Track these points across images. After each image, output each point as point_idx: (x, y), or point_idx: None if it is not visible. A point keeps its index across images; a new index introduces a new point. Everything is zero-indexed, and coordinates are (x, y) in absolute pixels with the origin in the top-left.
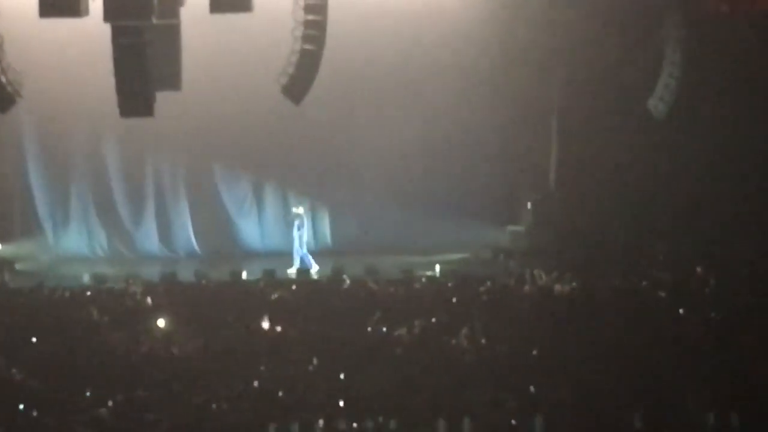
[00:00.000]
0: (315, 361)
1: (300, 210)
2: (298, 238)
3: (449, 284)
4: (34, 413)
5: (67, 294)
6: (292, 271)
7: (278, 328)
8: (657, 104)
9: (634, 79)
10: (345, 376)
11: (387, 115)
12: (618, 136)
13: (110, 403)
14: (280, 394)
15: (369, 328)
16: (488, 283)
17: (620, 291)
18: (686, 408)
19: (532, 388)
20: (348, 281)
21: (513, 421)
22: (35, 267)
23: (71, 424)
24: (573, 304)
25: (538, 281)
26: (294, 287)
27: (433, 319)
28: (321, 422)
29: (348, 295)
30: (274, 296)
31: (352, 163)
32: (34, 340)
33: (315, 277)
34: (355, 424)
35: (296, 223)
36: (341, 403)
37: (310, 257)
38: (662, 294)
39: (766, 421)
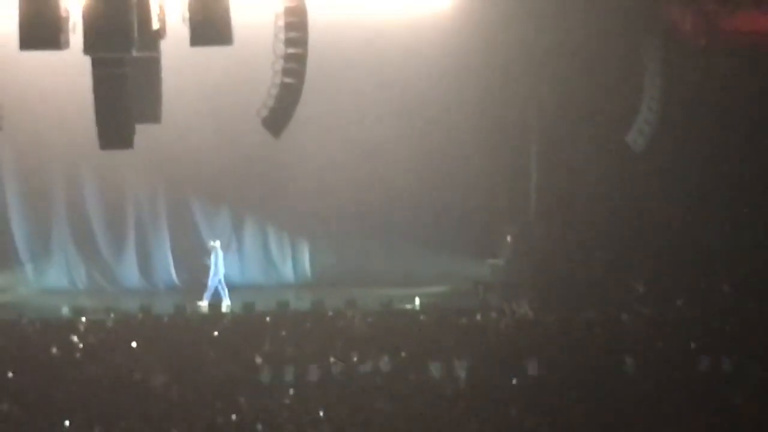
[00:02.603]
0: (291, 392)
1: (216, 243)
2: (213, 271)
3: (429, 317)
4: None
5: (46, 326)
6: (203, 304)
7: (257, 361)
8: (636, 137)
9: (613, 113)
10: (324, 408)
11: (367, 149)
12: (598, 169)
13: None
14: (259, 427)
15: (344, 359)
16: (468, 316)
17: (599, 324)
18: None
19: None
20: (330, 313)
21: None
22: (14, 299)
23: None
24: (552, 336)
25: (518, 314)
26: (268, 319)
27: (409, 352)
28: None
29: (328, 326)
30: (251, 329)
31: (331, 195)
32: (12, 372)
33: (226, 311)
34: None
35: (212, 255)
36: None
37: (225, 290)
38: (641, 327)
39: None
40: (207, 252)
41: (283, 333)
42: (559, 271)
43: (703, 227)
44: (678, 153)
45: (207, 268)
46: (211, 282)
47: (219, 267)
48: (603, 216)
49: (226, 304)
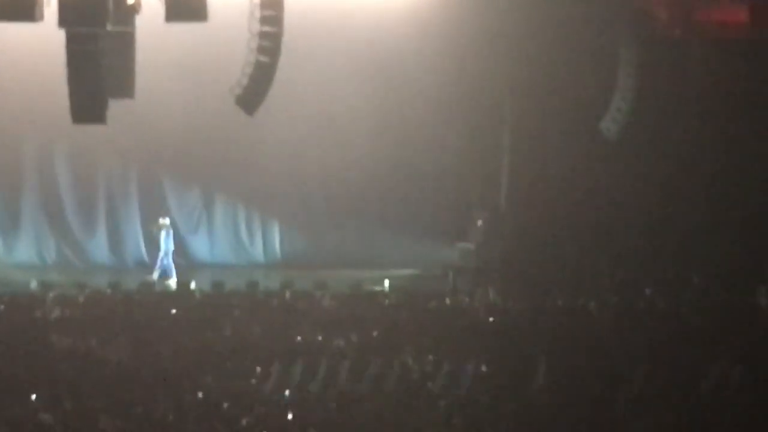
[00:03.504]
0: (259, 372)
1: (166, 221)
2: (165, 246)
3: (398, 299)
4: None
5: (14, 300)
6: (153, 278)
7: (223, 339)
8: (609, 125)
9: (587, 100)
10: (290, 388)
11: (339, 130)
12: (570, 155)
13: (55, 409)
14: (225, 405)
15: (312, 340)
16: (437, 300)
17: (567, 310)
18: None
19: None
20: (289, 294)
21: None
22: None
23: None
24: (521, 322)
25: (487, 299)
26: (238, 300)
27: (377, 334)
28: None
29: (293, 307)
30: (219, 307)
31: (303, 176)
32: None
33: (173, 287)
34: None
35: (162, 232)
36: (289, 416)
37: (172, 267)
38: (609, 315)
39: None
40: (177, 229)
41: (252, 313)
42: (528, 258)
43: (675, 216)
44: (651, 141)
45: (176, 246)
46: (160, 259)
47: (169, 244)
48: (574, 203)
49: (173, 282)
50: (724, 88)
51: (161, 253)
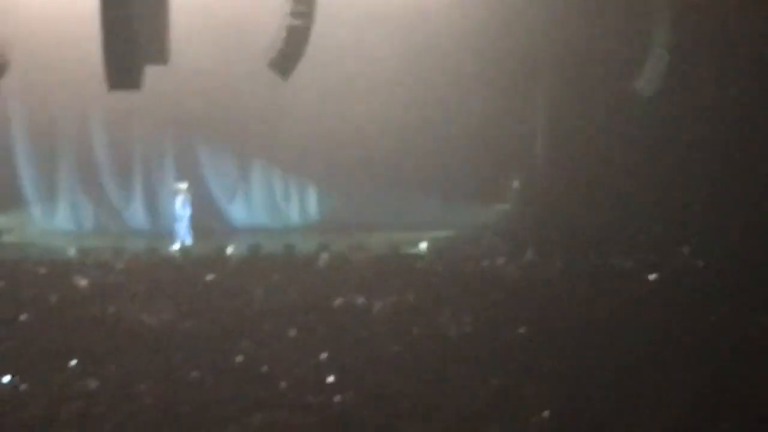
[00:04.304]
0: (296, 335)
1: (183, 186)
2: (181, 213)
3: (434, 261)
4: (21, 386)
5: (52, 267)
6: (175, 248)
7: (261, 303)
8: (645, 83)
9: (622, 57)
10: (328, 351)
11: (374, 92)
12: (605, 114)
13: (95, 375)
14: (264, 369)
15: (350, 303)
16: (473, 261)
17: (605, 271)
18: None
19: (516, 367)
20: (327, 256)
21: (496, 400)
22: (20, 239)
23: (58, 396)
24: (558, 283)
25: (524, 260)
26: (275, 263)
27: (414, 296)
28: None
29: (330, 270)
30: (256, 271)
31: (338, 139)
32: (17, 311)
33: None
34: (338, 397)
35: (178, 198)
36: (330, 379)
37: (187, 233)
38: (648, 275)
39: (749, 405)
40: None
41: (289, 276)
42: (565, 218)
43: (713, 174)
44: (687, 99)
45: (213, 211)
46: (178, 226)
47: (185, 210)
48: (610, 162)
49: (175, 246)
50: (764, 41)
51: (178, 220)
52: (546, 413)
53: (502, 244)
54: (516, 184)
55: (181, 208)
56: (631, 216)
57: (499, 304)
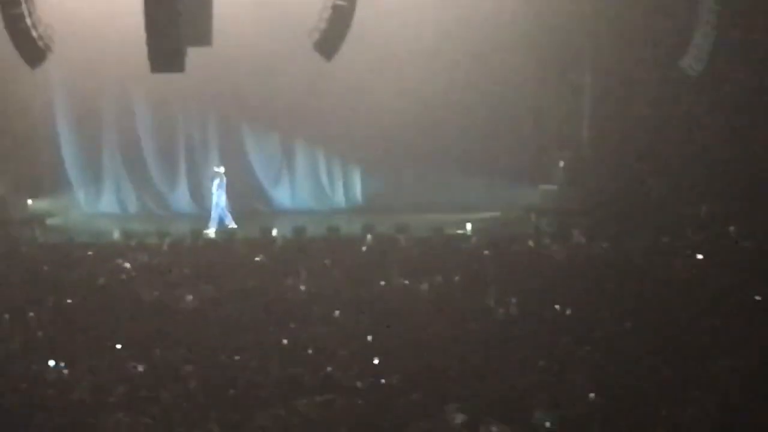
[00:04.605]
0: (341, 317)
1: (221, 169)
2: (217, 197)
3: (480, 242)
4: (65, 369)
5: (97, 250)
6: (210, 231)
7: (306, 285)
8: (691, 62)
9: (667, 37)
10: (373, 333)
11: (419, 74)
12: (651, 94)
13: (141, 358)
14: (310, 351)
15: (395, 284)
16: (519, 242)
17: (653, 251)
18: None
19: (563, 348)
20: (371, 238)
21: (542, 381)
22: (65, 222)
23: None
24: (605, 263)
25: (570, 240)
26: (320, 245)
27: (460, 277)
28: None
29: (375, 251)
30: (301, 253)
31: (382, 120)
32: (63, 294)
33: (212, 236)
34: (383, 380)
35: (216, 182)
36: (374, 361)
37: (229, 216)
38: (695, 254)
39: None
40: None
41: (334, 258)
42: (611, 197)
43: (760, 155)
44: (733, 78)
45: (257, 193)
46: (214, 210)
47: (221, 194)
48: (656, 142)
49: (211, 231)
50: None
51: (214, 204)
52: (592, 395)
53: (548, 224)
54: (562, 163)
55: (217, 191)
56: (678, 196)
57: (545, 285)
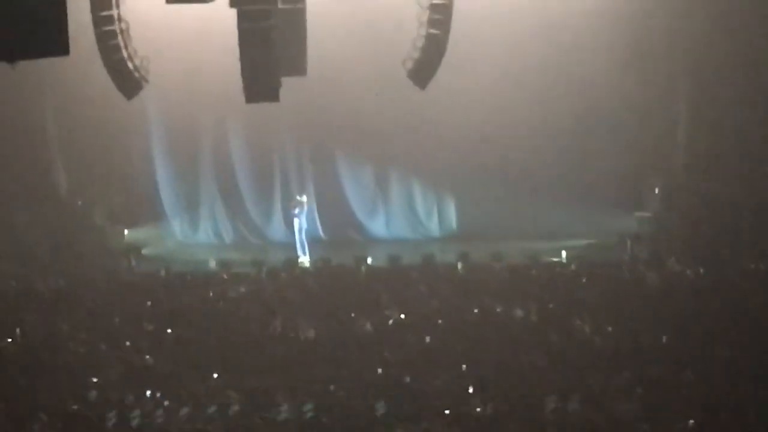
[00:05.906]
0: (436, 344)
1: (303, 198)
2: (299, 224)
3: (576, 270)
4: (164, 401)
5: (193, 279)
6: (305, 260)
7: (402, 314)
8: None
9: (763, 61)
10: (467, 361)
11: (513, 101)
12: (747, 119)
13: (237, 387)
14: (407, 379)
15: (489, 312)
16: (615, 269)
17: (752, 278)
18: None
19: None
20: (465, 265)
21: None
22: (161, 252)
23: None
24: (703, 290)
25: (667, 267)
26: (416, 274)
27: (555, 305)
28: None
29: (469, 279)
30: (396, 282)
31: (476, 149)
32: (160, 324)
33: (307, 265)
34: (478, 409)
35: (296, 210)
36: (471, 389)
37: (305, 245)
38: None
39: None
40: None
41: (429, 286)
42: (708, 225)
43: None
44: None
45: (351, 222)
46: (299, 237)
47: (302, 221)
48: (753, 169)
49: (305, 259)
50: None
51: (297, 232)
52: (691, 422)
53: (643, 251)
54: (657, 190)
55: (299, 219)
56: None
57: (641, 312)
